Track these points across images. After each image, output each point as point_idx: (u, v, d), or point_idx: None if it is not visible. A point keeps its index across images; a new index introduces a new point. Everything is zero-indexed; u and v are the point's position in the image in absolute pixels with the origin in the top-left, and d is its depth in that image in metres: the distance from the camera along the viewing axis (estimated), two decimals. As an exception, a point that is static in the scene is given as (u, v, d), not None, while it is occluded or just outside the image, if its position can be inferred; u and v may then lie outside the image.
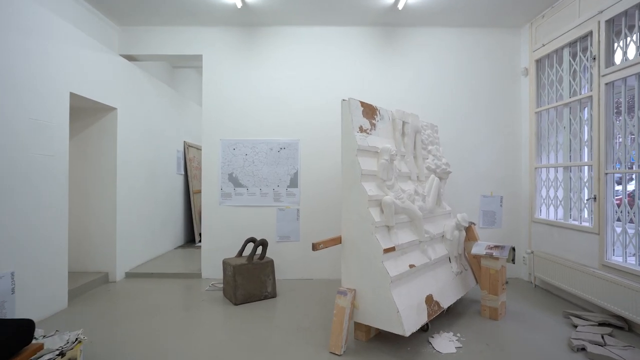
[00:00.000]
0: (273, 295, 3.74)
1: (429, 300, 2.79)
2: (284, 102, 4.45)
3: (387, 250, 2.55)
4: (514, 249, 3.19)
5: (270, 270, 3.73)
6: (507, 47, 4.49)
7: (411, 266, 2.73)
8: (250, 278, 3.61)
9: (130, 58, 4.64)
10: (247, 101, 4.45)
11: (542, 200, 4.15)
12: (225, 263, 3.73)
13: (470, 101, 4.50)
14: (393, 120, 3.21)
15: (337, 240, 2.75)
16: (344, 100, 2.78)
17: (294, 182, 4.42)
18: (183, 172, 6.41)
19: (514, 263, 3.27)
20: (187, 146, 6.51)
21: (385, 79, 4.48)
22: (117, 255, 4.29)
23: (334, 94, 4.42)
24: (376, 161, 2.84)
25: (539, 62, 4.19)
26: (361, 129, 2.80)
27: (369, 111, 2.94)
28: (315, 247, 2.55)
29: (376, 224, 2.57)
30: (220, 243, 4.42)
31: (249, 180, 4.42)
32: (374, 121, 2.96)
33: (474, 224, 3.58)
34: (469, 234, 3.53)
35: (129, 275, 4.45)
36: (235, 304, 3.53)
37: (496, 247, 3.17)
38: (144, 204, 4.95)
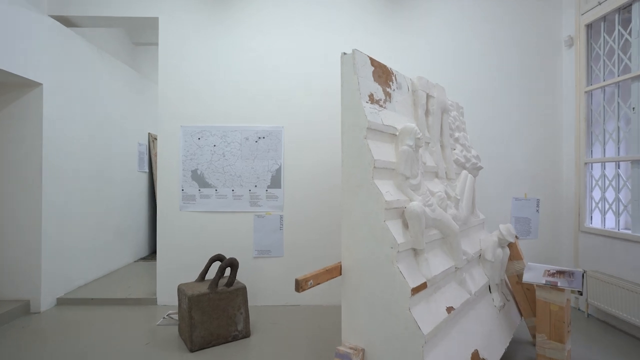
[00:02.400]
0: (246, 334, 2.75)
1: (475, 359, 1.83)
2: (262, 78, 3.46)
3: (416, 290, 1.58)
4: (584, 274, 2.25)
5: (241, 301, 2.73)
6: (544, 12, 3.57)
7: (449, 310, 1.77)
8: (214, 313, 2.61)
9: (65, 22, 3.60)
10: (215, 78, 3.45)
11: (594, 205, 3.23)
12: (180, 291, 2.74)
13: (498, 80, 3.57)
14: (414, 92, 2.25)
15: (335, 272, 1.77)
16: (345, 53, 1.81)
17: (276, 181, 3.44)
18: (147, 170, 5.37)
19: (581, 294, 2.34)
20: (152, 139, 5.47)
21: (392, 50, 3.52)
22: (44, 277, 3.25)
23: (327, 69, 3.44)
24: (394, 148, 1.88)
25: (590, 27, 3.27)
26: (372, 99, 1.83)
27: (383, 74, 1.97)
28: (300, 286, 1.57)
29: (399, 246, 1.60)
30: (180, 260, 3.41)
31: (218, 178, 3.42)
32: (388, 90, 1.99)
33: (517, 237, 2.64)
34: (513, 251, 2.58)
35: (62, 302, 3.42)
36: (191, 351, 2.53)
37: (560, 272, 2.23)
38: (89, 210, 3.91)
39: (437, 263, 1.85)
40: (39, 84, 3.22)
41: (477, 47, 3.57)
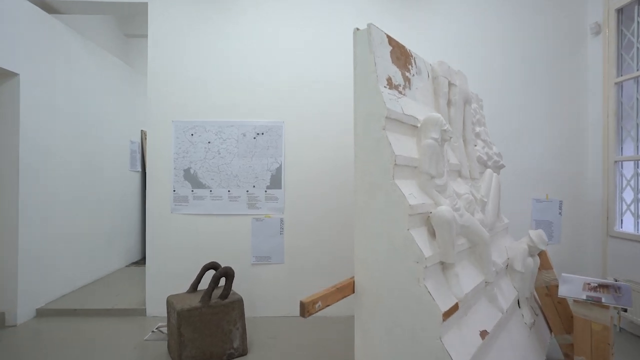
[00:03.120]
0: (242, 352, 2.47)
1: (512, 392, 1.54)
2: (261, 69, 3.17)
3: (447, 314, 1.29)
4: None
5: (237, 315, 2.45)
6: (568, -2, 3.29)
7: (483, 334, 1.48)
8: (206, 329, 2.32)
9: (47, 7, 3.31)
10: (209, 68, 3.16)
11: (625, 207, 2.94)
12: (169, 304, 2.45)
13: (517, 71, 3.28)
14: (434, 79, 1.96)
15: (347, 290, 1.49)
16: (358, 29, 1.52)
17: (276, 181, 3.15)
18: (139, 169, 5.08)
19: (625, 311, 2.06)
20: (145, 136, 5.18)
21: (402, 37, 3.22)
22: (21, 286, 2.96)
23: (333, 60, 3.15)
24: (415, 143, 1.59)
25: (620, 12, 2.99)
26: (390, 83, 1.54)
27: (401, 55, 1.68)
28: (307, 310, 1.27)
29: (426, 261, 1.31)
30: (171, 267, 3.12)
31: (213, 178, 3.14)
32: (408, 74, 1.71)
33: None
34: (542, 260, 2.30)
35: (42, 313, 3.12)
36: (181, 372, 2.24)
37: (603, 286, 1.94)
38: (75, 212, 3.62)
39: (466, 278, 1.56)
40: (15, 74, 2.93)
41: (494, 35, 3.28)
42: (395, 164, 1.38)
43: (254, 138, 3.15)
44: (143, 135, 5.12)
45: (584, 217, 3.24)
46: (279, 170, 3.15)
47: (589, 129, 3.26)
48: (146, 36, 3.19)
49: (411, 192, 1.40)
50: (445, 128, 1.57)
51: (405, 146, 1.48)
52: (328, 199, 3.14)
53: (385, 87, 1.48)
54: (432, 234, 1.45)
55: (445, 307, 1.29)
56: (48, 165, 3.27)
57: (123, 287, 3.73)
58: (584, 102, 3.27)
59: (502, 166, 2.64)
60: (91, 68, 3.90)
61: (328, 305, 1.35)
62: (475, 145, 2.36)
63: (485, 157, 2.41)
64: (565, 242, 3.26)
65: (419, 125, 1.60)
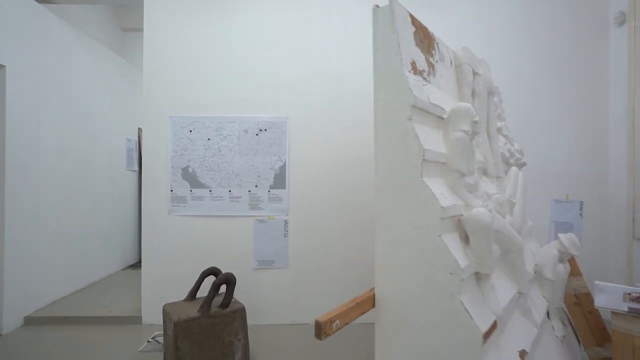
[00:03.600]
0: (244, 365, 2.28)
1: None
2: (264, 61, 2.97)
3: (487, 334, 1.10)
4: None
5: (239, 326, 2.25)
6: (589, -14, 3.10)
7: (522, 355, 1.29)
8: (205, 341, 2.13)
9: (37, -3, 3.12)
10: (209, 61, 2.97)
11: (653, 208, 2.76)
12: (165, 314, 2.26)
13: (533, 64, 3.10)
14: (458, 67, 1.77)
15: (367, 305, 1.30)
16: (378, 6, 1.33)
17: (280, 181, 2.96)
18: (137, 168, 4.89)
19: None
20: (142, 134, 4.98)
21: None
22: (7, 292, 2.77)
23: (341, 51, 2.97)
24: (442, 136, 1.40)
25: (648, 0, 2.80)
26: (414, 68, 1.35)
27: (425, 38, 1.50)
28: (323, 331, 1.09)
29: (462, 272, 1.12)
30: (168, 272, 2.93)
31: (212, 177, 2.95)
32: (431, 60, 1.52)
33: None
34: (571, 266, 2.11)
35: (30, 321, 2.93)
36: (178, 389, 2.05)
37: (645, 296, 1.75)
38: (67, 212, 3.43)
39: (500, 290, 1.37)
40: (1, 66, 2.74)
41: (505, 24, 3.09)
42: (424, 160, 1.20)
43: (257, 135, 2.96)
44: (140, 133, 4.93)
45: (606, 219, 3.06)
46: (283, 168, 2.96)
47: (611, 125, 3.07)
48: (142, 30, 3.00)
49: (441, 192, 1.21)
50: (476, 119, 1.39)
51: (432, 140, 1.30)
52: (335, 199, 2.95)
53: (409, 71, 1.30)
54: (465, 239, 1.26)
55: (485, 327, 1.10)
56: (38, 163, 3.08)
57: (118, 293, 3.54)
58: (606, 97, 3.09)
59: (524, 164, 2.46)
60: (85, 62, 3.71)
61: (347, 324, 1.16)
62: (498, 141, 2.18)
63: (507, 154, 2.23)
64: (586, 245, 3.06)
65: (445, 116, 1.41)
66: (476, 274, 1.26)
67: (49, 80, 3.19)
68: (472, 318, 1.08)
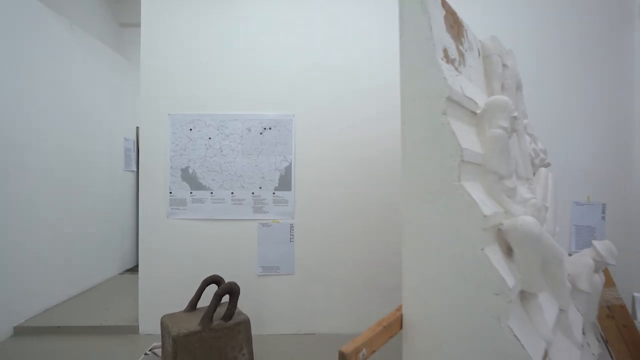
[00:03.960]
0: (249, 382, 2.11)
1: None
2: (270, 57, 2.81)
3: (540, 365, 0.94)
4: None
5: (243, 339, 2.09)
6: (612, -24, 2.94)
7: (572, 384, 1.13)
8: (207, 356, 1.97)
9: (28, -13, 2.95)
10: (210, 55, 2.81)
11: (683, 211, 2.60)
12: (163, 326, 2.09)
13: (552, 59, 2.93)
14: (486, 58, 1.61)
15: (395, 327, 1.13)
16: (406, -14, 1.16)
17: (285, 182, 2.79)
18: (135, 169, 4.72)
19: None
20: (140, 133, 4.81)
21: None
22: (-4, 302, 2.61)
23: (352, 43, 2.80)
24: (475, 133, 1.24)
25: (677, -10, 2.64)
26: (446, 56, 1.18)
27: (454, 24, 1.33)
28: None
29: (510, 292, 0.95)
30: (167, 279, 2.76)
31: (214, 178, 2.78)
32: (461, 48, 1.35)
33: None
34: (605, 276, 1.94)
35: (20, 331, 2.76)
36: (177, 410, 1.89)
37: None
38: (61, 214, 3.27)
39: (544, 309, 1.20)
40: (-11, 61, 2.58)
41: (520, 15, 2.93)
42: (462, 160, 1.03)
43: (261, 133, 2.79)
44: (139, 132, 4.76)
45: (631, 222, 2.89)
46: (288, 169, 2.79)
47: (635, 124, 2.90)
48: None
49: (481, 198, 1.05)
50: (515, 115, 1.22)
51: (468, 137, 1.13)
52: (344, 202, 2.79)
53: (442, 59, 1.13)
54: (508, 253, 1.09)
55: (537, 356, 0.93)
56: (28, 163, 2.92)
57: (114, 300, 3.37)
58: (630, 93, 2.92)
59: (549, 164, 2.30)
60: (80, 57, 3.54)
61: (374, 352, 1.00)
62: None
63: (532, 154, 2.06)
64: (609, 250, 2.89)
65: (479, 111, 1.25)
66: (520, 292, 1.09)
67: (38, 75, 3.03)
68: (524, 347, 0.92)
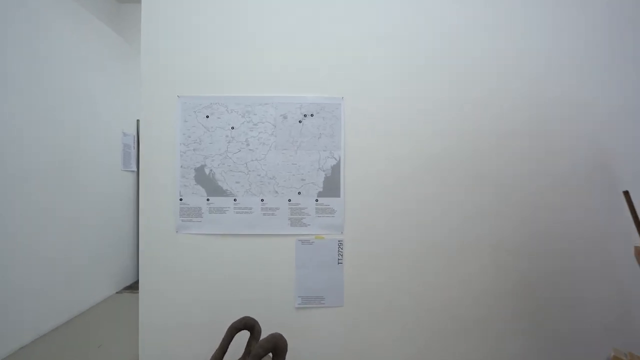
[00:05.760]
0: None
1: None
2: (312, 22, 2.14)
3: None
4: None
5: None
6: None
7: None
8: None
9: None
10: (232, 20, 2.13)
11: None
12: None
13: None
14: None
15: None
16: None
17: (332, 186, 2.12)
18: (135, 168, 4.07)
19: None
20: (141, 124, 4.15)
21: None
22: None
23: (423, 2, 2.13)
24: None
25: None
26: None
27: None
28: None
29: None
30: (177, 316, 2.09)
31: (238, 181, 2.11)
32: None
33: None
34: None
35: (-15, 381, 2.11)
36: None
37: None
38: (45, 227, 2.61)
39: None
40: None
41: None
42: None
43: (300, 122, 2.12)
44: (140, 121, 4.11)
45: None
46: (336, 169, 2.12)
47: None
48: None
49: None
50: None
51: None
52: (410, 212, 2.12)
53: None
54: None
55: None
56: (4, 161, 2.25)
57: (109, 330, 2.72)
58: None
59: None
60: (67, 33, 2.88)
61: None
62: None
63: None
64: None
65: None
66: None
67: (16, 53, 2.37)
68: None
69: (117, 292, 3.64)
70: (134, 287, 3.84)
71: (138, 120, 4.14)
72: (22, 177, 2.43)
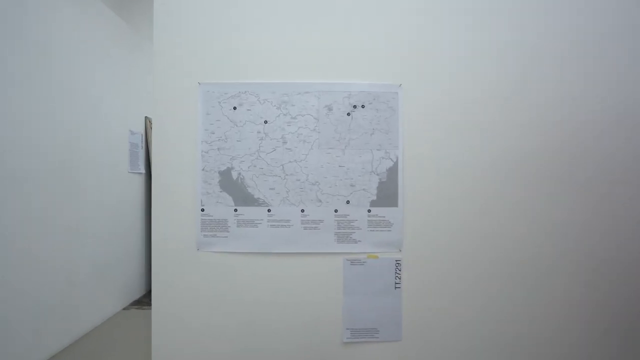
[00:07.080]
0: None
1: None
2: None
3: None
4: None
5: None
6: None
7: None
8: None
9: None
10: (267, -11, 1.75)
11: None
12: None
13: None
14: None
15: None
16: None
17: (388, 193, 1.73)
18: (143, 170, 3.70)
19: None
20: (151, 125, 3.79)
21: None
22: None
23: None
24: None
25: None
26: None
27: None
28: None
29: None
30: (198, 352, 1.71)
31: (273, 187, 1.73)
32: None
33: None
34: None
35: None
36: None
37: None
38: (41, 238, 2.24)
39: None
40: None
41: None
42: None
43: (348, 114, 1.73)
44: (148, 123, 3.74)
45: None
46: (392, 172, 1.73)
47: None
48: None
49: None
50: None
51: None
52: (484, 225, 1.72)
53: None
54: None
55: None
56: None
57: (115, 355, 2.34)
58: None
59: None
60: (66, 17, 2.51)
61: None
62: None
63: None
64: None
65: None
66: None
67: (6, 40, 2.00)
68: None
69: (123, 309, 3.27)
70: (142, 301, 3.46)
71: (146, 117, 3.76)
72: (16, 181, 2.07)
